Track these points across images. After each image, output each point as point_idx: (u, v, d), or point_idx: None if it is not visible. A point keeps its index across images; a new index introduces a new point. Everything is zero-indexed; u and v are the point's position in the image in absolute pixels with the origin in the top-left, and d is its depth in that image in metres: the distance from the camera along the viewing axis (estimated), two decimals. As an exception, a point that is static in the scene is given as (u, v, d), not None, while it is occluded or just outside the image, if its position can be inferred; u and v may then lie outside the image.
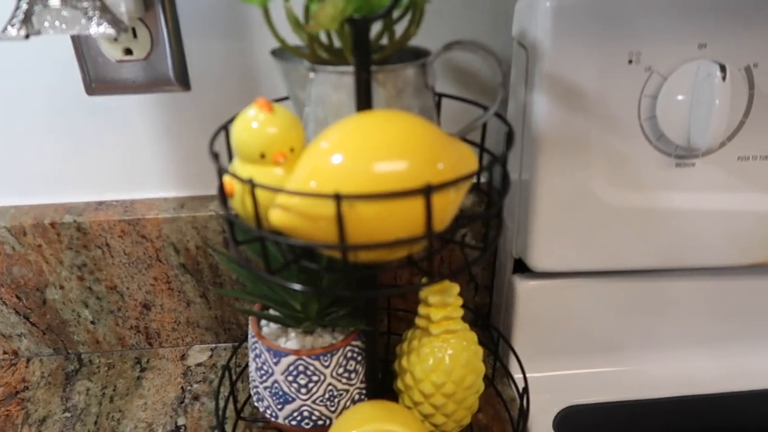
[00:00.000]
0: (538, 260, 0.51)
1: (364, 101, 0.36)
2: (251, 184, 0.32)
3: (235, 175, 0.33)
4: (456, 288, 0.47)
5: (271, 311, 0.51)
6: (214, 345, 0.63)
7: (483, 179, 0.55)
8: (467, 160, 0.35)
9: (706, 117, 0.43)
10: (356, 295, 0.33)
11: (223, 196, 0.37)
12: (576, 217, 0.49)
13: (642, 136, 0.47)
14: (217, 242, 0.56)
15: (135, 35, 0.50)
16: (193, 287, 0.59)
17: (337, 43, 0.40)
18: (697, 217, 0.49)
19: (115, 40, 0.47)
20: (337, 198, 0.30)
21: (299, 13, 0.39)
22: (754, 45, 0.44)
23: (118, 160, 0.55)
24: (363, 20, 0.34)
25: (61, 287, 0.57)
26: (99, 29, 0.38)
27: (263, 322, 0.50)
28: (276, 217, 0.33)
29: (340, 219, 0.31)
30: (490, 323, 0.55)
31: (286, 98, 0.45)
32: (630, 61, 0.45)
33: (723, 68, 0.42)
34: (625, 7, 0.44)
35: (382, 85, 0.37)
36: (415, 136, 0.33)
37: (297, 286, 0.34)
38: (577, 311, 0.55)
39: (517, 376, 0.55)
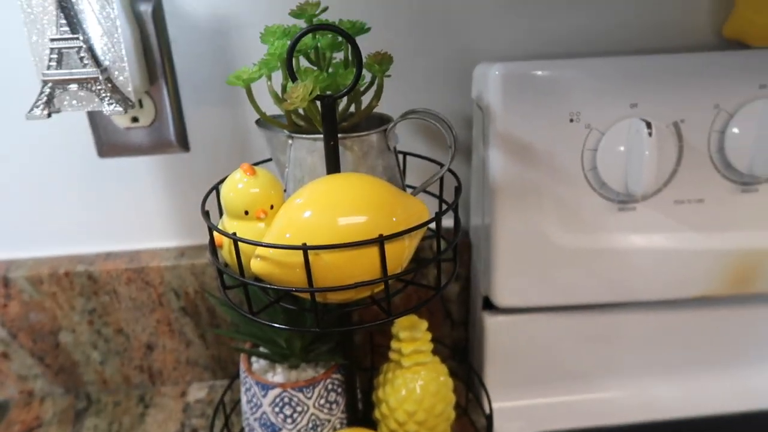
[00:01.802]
0: (501, 297, 0.56)
1: (333, 164, 0.43)
2: (234, 239, 0.38)
3: (221, 231, 0.39)
4: (424, 324, 0.52)
5: (261, 349, 0.56)
6: (211, 382, 0.68)
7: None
8: (419, 213, 0.41)
9: (639, 167, 0.49)
10: (324, 331, 0.39)
11: (213, 248, 0.43)
12: (532, 257, 0.55)
13: (586, 184, 0.53)
14: (213, 287, 0.62)
15: (141, 105, 0.57)
16: (192, 329, 0.64)
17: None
18: (640, 256, 0.54)
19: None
20: (305, 249, 0.36)
21: (278, 87, 0.46)
22: (679, 103, 0.51)
23: (125, 214, 0.62)
24: (329, 98, 0.40)
25: (73, 331, 0.63)
26: (110, 108, 0.45)
27: (253, 358, 0.55)
28: (255, 266, 0.39)
29: (307, 266, 0.37)
30: (464, 357, 0.60)
31: (269, 160, 0.51)
32: (571, 120, 0.51)
33: (649, 125, 0.48)
34: (563, 72, 0.50)
35: (350, 149, 0.44)
36: (373, 195, 0.40)
37: (275, 325, 0.40)
38: (543, 344, 0.59)
39: (496, 405, 0.59)
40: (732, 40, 0.58)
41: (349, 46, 0.44)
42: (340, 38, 0.46)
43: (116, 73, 0.47)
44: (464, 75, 0.58)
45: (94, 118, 0.57)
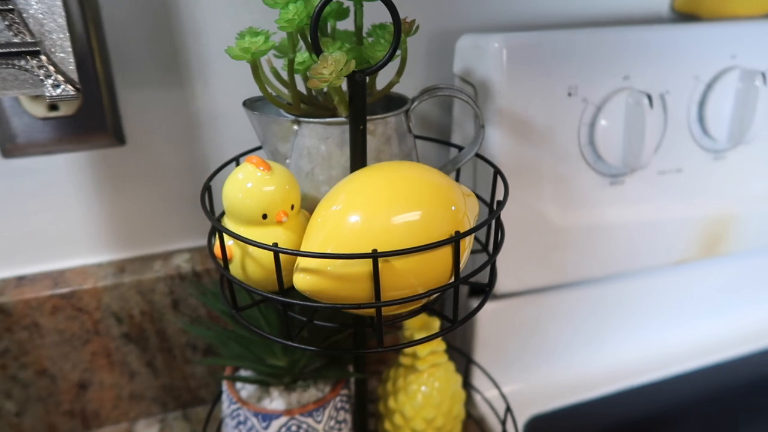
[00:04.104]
0: (500, 284, 0.53)
1: (360, 152, 0.36)
2: (276, 251, 0.31)
3: (256, 243, 0.31)
4: (437, 321, 0.48)
5: (242, 371, 0.48)
6: (162, 416, 0.57)
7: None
8: (471, 198, 0.36)
9: (639, 140, 0.49)
10: (386, 350, 0.33)
11: (225, 261, 0.34)
12: (531, 239, 0.52)
13: (582, 160, 0.51)
14: (164, 305, 0.52)
15: (60, 89, 0.45)
16: (137, 357, 0.54)
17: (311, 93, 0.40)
18: (629, 228, 0.55)
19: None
20: (375, 256, 0.30)
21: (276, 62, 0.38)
22: (666, 75, 0.51)
23: (42, 227, 0.49)
24: (361, 73, 0.34)
25: (-23, 380, 0.49)
26: (56, 91, 0.34)
27: (238, 385, 0.47)
28: (302, 282, 0.31)
29: (377, 277, 0.30)
30: (458, 350, 0.56)
31: (255, 149, 0.43)
32: (569, 94, 0.49)
33: (649, 97, 0.48)
34: (564, 44, 0.48)
35: (372, 133, 0.37)
36: (423, 183, 0.34)
37: (334, 350, 0.33)
38: (532, 326, 0.58)
39: (489, 393, 0.56)
40: (684, 14, 0.60)
41: (361, 14, 0.38)
42: (346, 5, 0.39)
43: (53, 48, 0.36)
44: (441, 47, 0.54)
45: (-3, 106, 0.44)
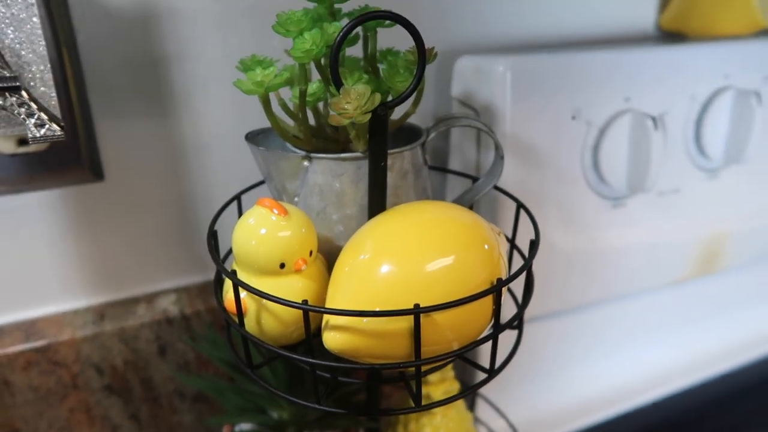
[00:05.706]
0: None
1: (380, 190, 0.34)
2: (306, 309, 0.28)
3: (284, 301, 0.28)
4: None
5: (242, 426, 0.44)
6: (145, 470, 0.53)
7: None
8: (499, 233, 0.34)
9: (645, 162, 0.48)
10: (422, 408, 0.31)
11: (240, 317, 0.31)
12: (537, 266, 0.51)
13: (585, 183, 0.50)
14: (150, 353, 0.48)
15: (30, 122, 0.40)
16: (120, 410, 0.49)
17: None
18: (630, 250, 0.54)
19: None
20: (417, 312, 0.27)
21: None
22: (663, 96, 0.50)
23: (10, 273, 0.44)
24: (384, 107, 0.31)
25: (-63, 449, 0.44)
26: (39, 132, 0.30)
27: (240, 438, 0.43)
28: (333, 341, 0.29)
29: (417, 334, 0.28)
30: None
31: (253, 187, 0.40)
32: (573, 117, 0.48)
33: (654, 119, 0.47)
34: (565, 67, 0.47)
35: (390, 169, 0.35)
36: (454, 224, 0.32)
37: (353, 412, 0.30)
38: (532, 353, 0.56)
39: (493, 424, 0.55)
40: (670, 32, 0.60)
41: (374, 41, 0.36)
42: (355, 31, 0.36)
43: (33, 82, 0.32)
44: (436, 70, 0.52)
45: (-42, 143, 0.39)
